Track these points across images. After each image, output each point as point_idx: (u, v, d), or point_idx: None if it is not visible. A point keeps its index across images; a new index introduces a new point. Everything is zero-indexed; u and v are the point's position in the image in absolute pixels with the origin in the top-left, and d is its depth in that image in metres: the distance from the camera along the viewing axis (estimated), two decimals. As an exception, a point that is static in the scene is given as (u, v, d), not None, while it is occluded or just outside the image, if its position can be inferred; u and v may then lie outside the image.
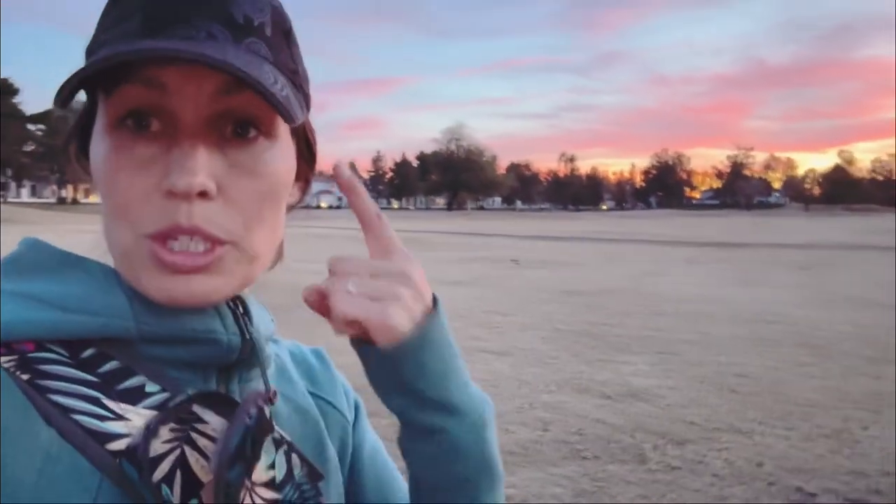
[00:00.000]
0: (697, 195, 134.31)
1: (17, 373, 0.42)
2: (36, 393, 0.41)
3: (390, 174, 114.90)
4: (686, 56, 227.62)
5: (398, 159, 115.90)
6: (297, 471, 0.47)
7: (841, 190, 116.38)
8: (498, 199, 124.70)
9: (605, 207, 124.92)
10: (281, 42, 0.47)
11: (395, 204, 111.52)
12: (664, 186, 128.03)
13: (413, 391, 0.48)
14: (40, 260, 0.47)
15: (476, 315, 8.19)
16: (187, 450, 0.42)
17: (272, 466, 0.45)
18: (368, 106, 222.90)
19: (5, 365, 0.42)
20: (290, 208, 0.55)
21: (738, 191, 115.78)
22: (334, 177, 0.49)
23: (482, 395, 0.52)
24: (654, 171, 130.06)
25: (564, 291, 10.65)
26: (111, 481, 0.41)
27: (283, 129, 0.48)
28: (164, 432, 0.42)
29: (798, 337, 7.00)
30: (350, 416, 0.62)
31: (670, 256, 18.29)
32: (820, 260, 16.87)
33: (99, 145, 0.46)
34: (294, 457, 0.48)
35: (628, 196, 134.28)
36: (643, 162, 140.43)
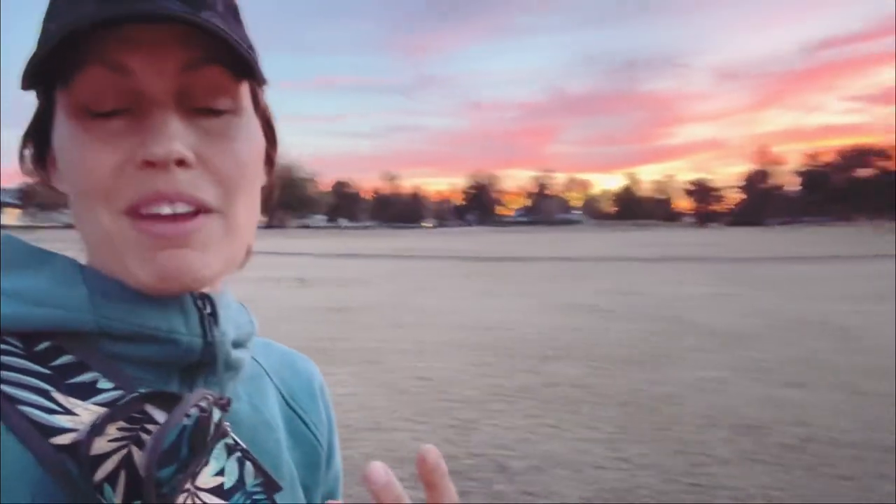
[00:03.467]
0: (511, 213, 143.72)
1: None
2: None
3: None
4: (498, 84, 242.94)
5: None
6: (249, 479, 0.46)
7: (629, 207, 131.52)
8: (321, 217, 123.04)
9: (429, 225, 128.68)
10: (231, 18, 0.47)
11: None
12: (480, 205, 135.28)
13: None
14: (11, 256, 0.46)
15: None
16: (134, 450, 0.41)
17: (221, 472, 0.44)
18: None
19: None
20: (262, 192, 0.53)
21: (542, 209, 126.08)
22: (418, 465, 0.40)
23: None
24: (471, 191, 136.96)
25: (331, 309, 10.86)
26: (52, 476, 0.40)
27: (247, 105, 0.48)
28: (112, 430, 0.40)
29: (501, 342, 7.84)
30: (323, 439, 0.60)
31: (452, 272, 19.38)
32: (576, 271, 18.92)
33: (62, 132, 0.45)
34: (248, 465, 0.46)
35: (448, 214, 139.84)
36: (461, 182, 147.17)
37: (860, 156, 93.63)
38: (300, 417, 0.59)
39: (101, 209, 0.43)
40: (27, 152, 0.50)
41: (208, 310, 0.48)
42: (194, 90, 0.44)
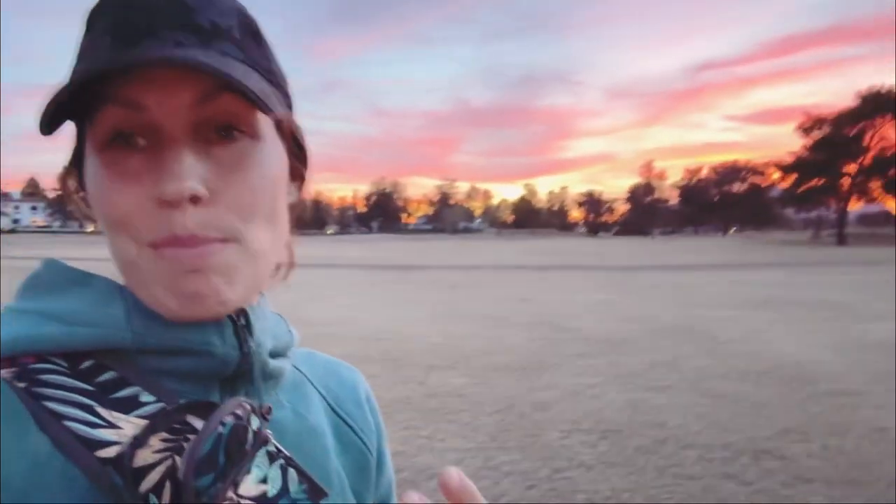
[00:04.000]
0: (414, 220, 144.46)
1: (15, 381, 0.42)
2: (31, 399, 0.42)
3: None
4: (404, 92, 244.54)
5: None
6: (293, 486, 0.46)
7: (527, 217, 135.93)
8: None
9: (330, 232, 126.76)
10: (251, 43, 0.48)
11: (90, 227, 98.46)
12: (384, 212, 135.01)
13: None
14: (53, 278, 0.49)
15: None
16: (178, 460, 0.41)
17: (264, 480, 0.44)
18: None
19: (5, 376, 0.43)
20: (293, 209, 0.55)
21: (445, 218, 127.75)
22: (442, 490, 0.42)
23: None
24: (374, 198, 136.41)
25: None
26: (99, 489, 0.40)
27: (267, 129, 0.48)
28: (155, 442, 0.41)
29: (391, 353, 7.81)
30: (371, 445, 0.61)
31: (351, 280, 19.17)
32: (473, 280, 19.26)
33: (91, 168, 0.46)
34: (292, 472, 0.46)
35: (351, 221, 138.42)
36: (365, 188, 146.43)
37: (735, 171, 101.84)
38: (347, 424, 0.60)
39: (126, 241, 0.45)
40: (70, 181, 0.52)
41: (242, 321, 0.50)
42: (210, 120, 0.45)
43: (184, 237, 0.43)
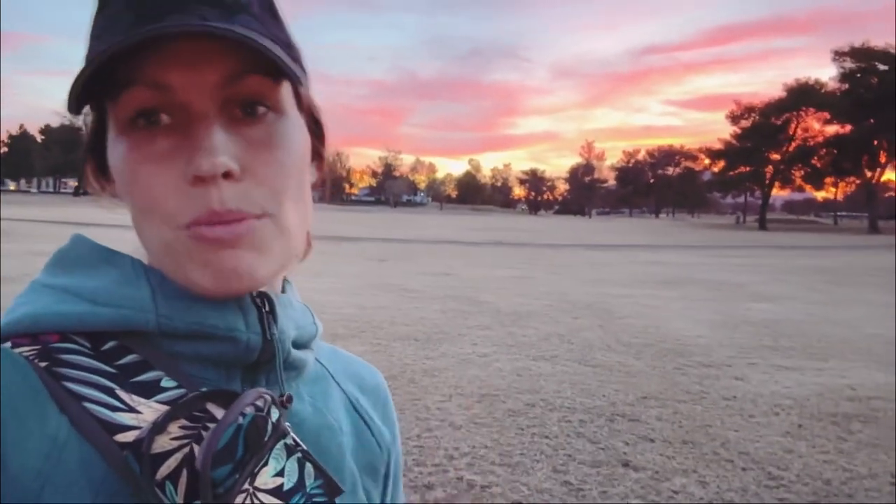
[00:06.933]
0: (356, 191, 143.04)
1: (37, 360, 0.42)
2: (52, 379, 0.41)
3: (4, 149, 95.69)
4: (346, 58, 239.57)
5: (15, 131, 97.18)
6: (309, 480, 0.45)
7: (470, 192, 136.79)
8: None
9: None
10: (269, 18, 0.48)
11: (12, 185, 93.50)
12: (325, 182, 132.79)
13: None
14: (80, 255, 0.49)
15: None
16: (196, 449, 0.41)
17: (281, 473, 0.44)
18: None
19: (26, 354, 0.42)
20: (312, 188, 0.55)
21: (388, 189, 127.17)
22: None
23: None
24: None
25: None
26: (116, 472, 0.40)
27: (290, 105, 0.49)
28: (174, 428, 0.41)
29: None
30: (384, 446, 0.61)
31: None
32: (407, 253, 19.51)
33: (116, 149, 0.45)
34: (308, 466, 0.46)
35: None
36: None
37: (669, 156, 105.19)
38: (366, 424, 0.60)
39: (160, 224, 0.45)
40: (89, 167, 0.51)
41: (266, 308, 0.50)
42: (236, 99, 0.45)
43: (222, 212, 0.43)
